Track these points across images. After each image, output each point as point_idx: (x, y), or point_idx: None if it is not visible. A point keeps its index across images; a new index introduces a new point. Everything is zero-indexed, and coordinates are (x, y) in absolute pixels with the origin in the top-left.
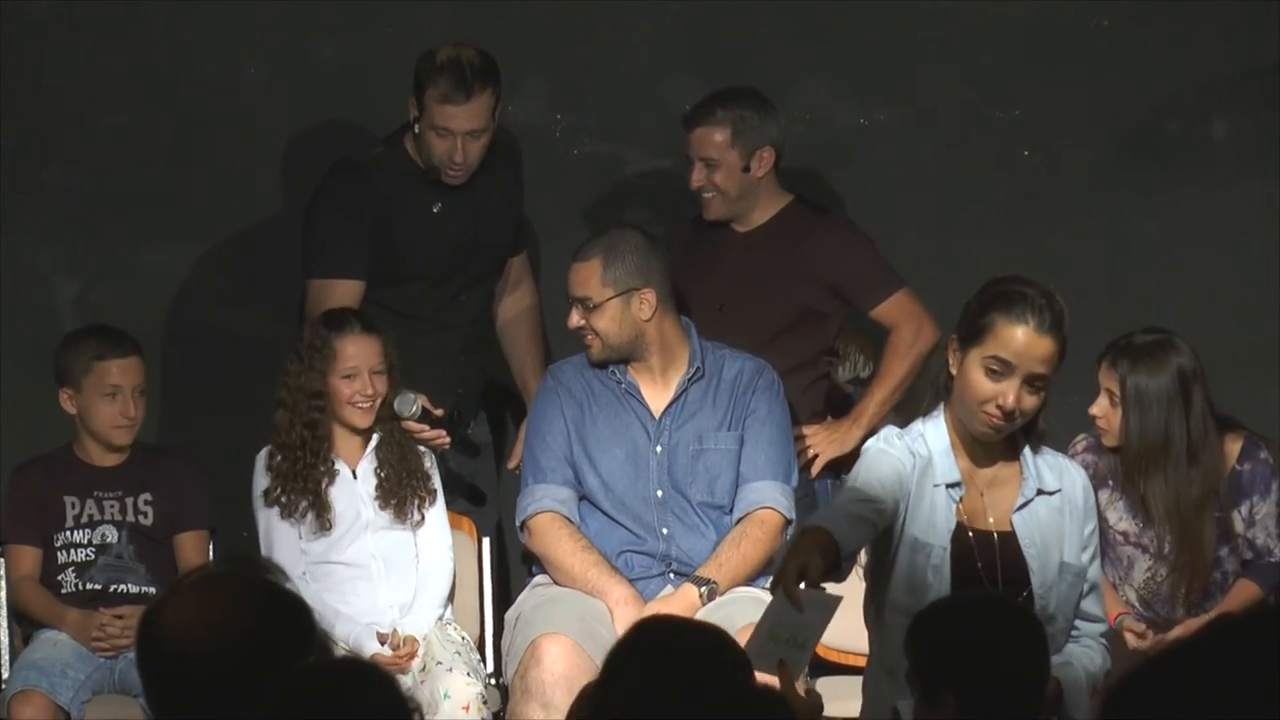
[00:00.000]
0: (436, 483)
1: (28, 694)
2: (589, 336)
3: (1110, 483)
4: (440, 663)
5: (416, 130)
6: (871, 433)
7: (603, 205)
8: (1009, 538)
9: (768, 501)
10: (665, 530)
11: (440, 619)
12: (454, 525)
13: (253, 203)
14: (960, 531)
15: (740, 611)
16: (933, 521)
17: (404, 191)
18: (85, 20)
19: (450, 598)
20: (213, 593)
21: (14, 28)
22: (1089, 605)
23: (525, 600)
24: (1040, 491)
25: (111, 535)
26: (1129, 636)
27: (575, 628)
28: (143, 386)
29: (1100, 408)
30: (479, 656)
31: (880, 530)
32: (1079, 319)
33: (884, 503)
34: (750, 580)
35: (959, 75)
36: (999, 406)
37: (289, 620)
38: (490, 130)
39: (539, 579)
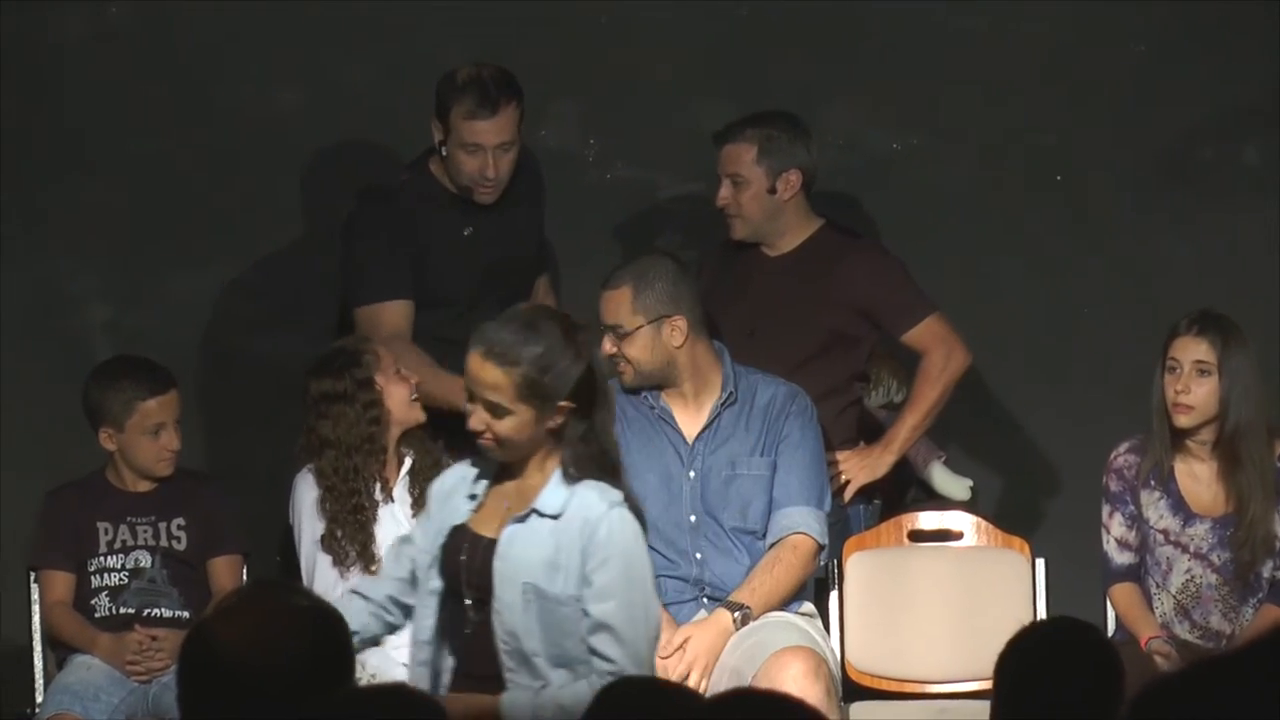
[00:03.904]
0: None
1: (62, 717)
2: (621, 364)
3: (1153, 480)
4: None
5: (444, 153)
6: (903, 458)
7: (635, 229)
8: (492, 545)
9: (801, 527)
10: (699, 555)
11: None
12: None
13: (285, 226)
14: (460, 530)
15: (773, 636)
16: (444, 523)
17: (435, 217)
18: (119, 44)
19: None
20: (260, 612)
21: (48, 50)
22: (596, 643)
23: None
24: (537, 512)
25: (145, 560)
26: (1158, 659)
27: None
28: (179, 416)
29: (1184, 383)
30: None
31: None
32: (1114, 341)
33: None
34: (783, 605)
35: (992, 99)
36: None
37: (333, 641)
38: (517, 145)
39: None
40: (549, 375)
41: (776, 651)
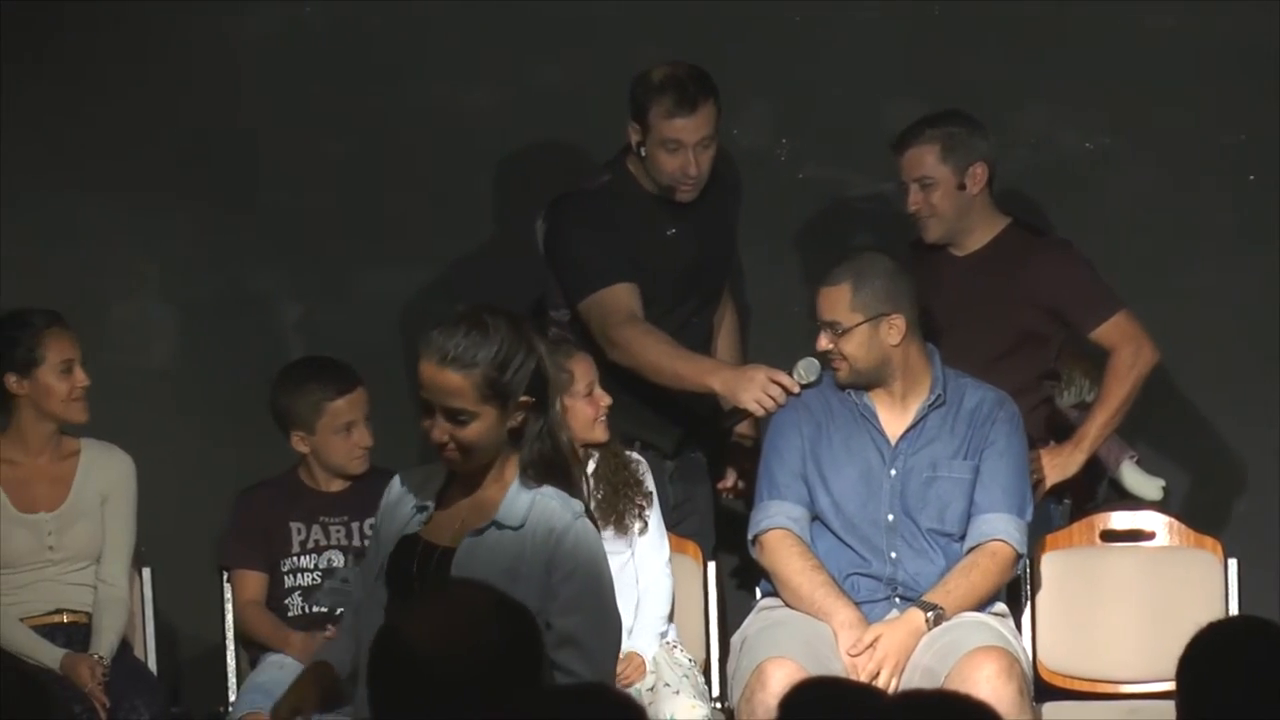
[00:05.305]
0: (650, 485)
1: (255, 717)
2: (837, 360)
3: None
4: (668, 685)
5: (642, 154)
6: (1092, 456)
7: (826, 229)
8: (448, 555)
9: (1000, 534)
10: (894, 554)
11: (664, 636)
12: (679, 549)
13: (474, 225)
14: (410, 540)
15: (966, 636)
16: (391, 534)
17: (638, 217)
18: (310, 43)
19: (671, 616)
20: (448, 609)
21: (238, 51)
22: (560, 658)
23: (751, 624)
24: (497, 524)
25: (337, 560)
26: None
27: (801, 652)
28: (369, 412)
29: None
30: (704, 680)
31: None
32: None
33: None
34: (977, 610)
35: (1184, 99)
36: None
37: (522, 635)
38: (716, 141)
39: (764, 602)
40: (508, 372)
41: (969, 651)
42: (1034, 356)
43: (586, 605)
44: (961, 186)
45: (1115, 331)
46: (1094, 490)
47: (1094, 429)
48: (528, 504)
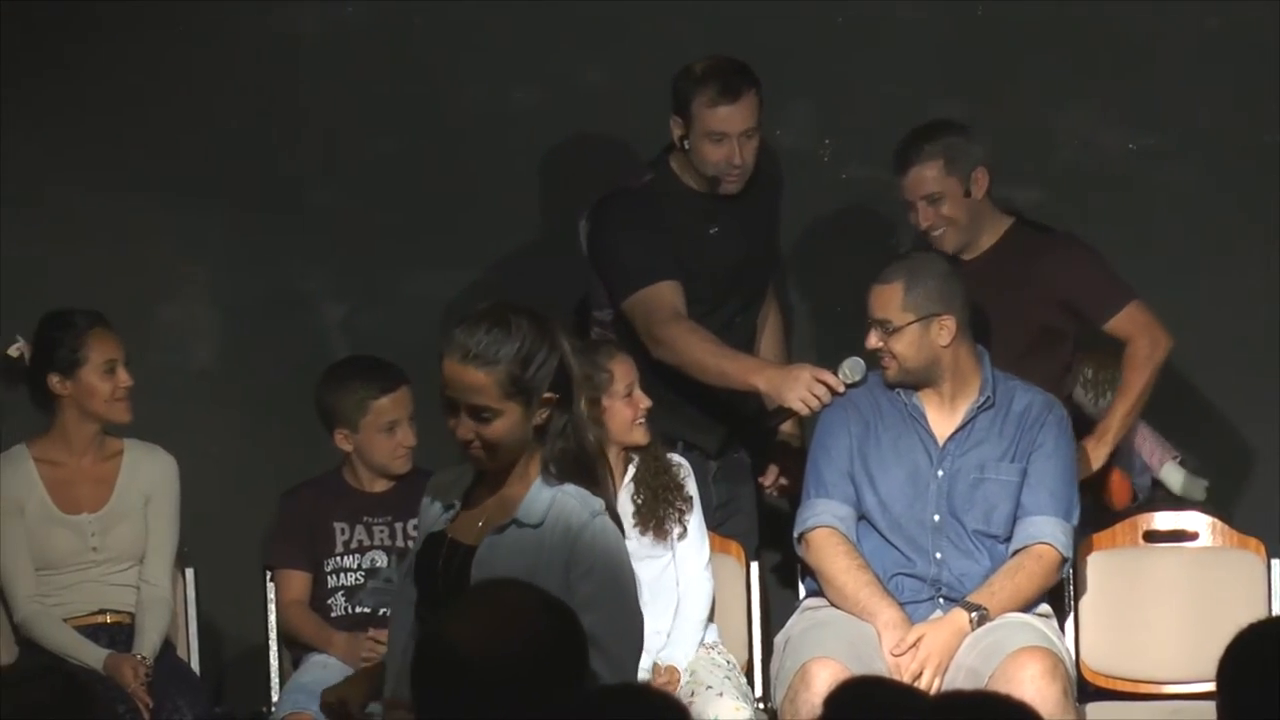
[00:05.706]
0: (691, 489)
1: (297, 717)
2: (886, 359)
3: None
4: (710, 687)
5: (685, 147)
6: (1116, 449)
7: (869, 229)
8: (471, 553)
9: (1046, 537)
10: (938, 555)
11: (701, 641)
12: (722, 549)
13: (517, 225)
14: (437, 538)
15: (1010, 637)
16: (423, 532)
17: (681, 215)
18: (353, 43)
19: (711, 617)
20: (495, 606)
21: (281, 51)
22: None
23: (794, 624)
24: (518, 523)
25: (381, 560)
26: None
27: (845, 652)
28: (413, 412)
29: None
30: (746, 680)
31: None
32: None
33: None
34: (1021, 612)
35: (1226, 99)
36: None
37: (567, 633)
38: (759, 133)
39: (808, 602)
40: (530, 369)
41: (1013, 652)
42: (1052, 353)
43: (604, 603)
44: (967, 194)
45: (1129, 322)
46: (1106, 481)
47: (1116, 421)
48: (548, 502)
